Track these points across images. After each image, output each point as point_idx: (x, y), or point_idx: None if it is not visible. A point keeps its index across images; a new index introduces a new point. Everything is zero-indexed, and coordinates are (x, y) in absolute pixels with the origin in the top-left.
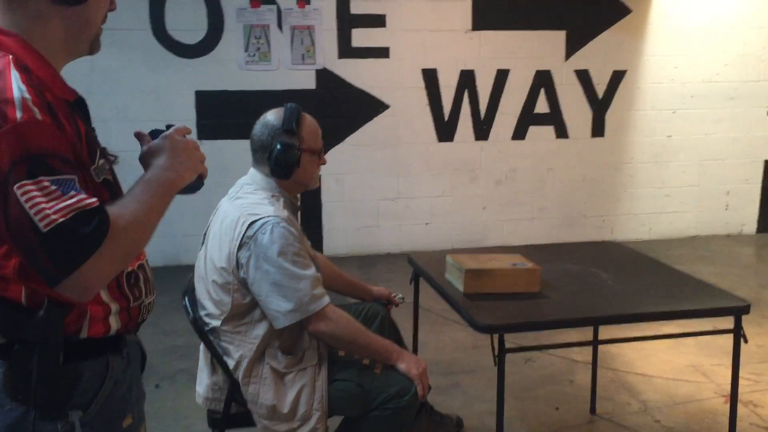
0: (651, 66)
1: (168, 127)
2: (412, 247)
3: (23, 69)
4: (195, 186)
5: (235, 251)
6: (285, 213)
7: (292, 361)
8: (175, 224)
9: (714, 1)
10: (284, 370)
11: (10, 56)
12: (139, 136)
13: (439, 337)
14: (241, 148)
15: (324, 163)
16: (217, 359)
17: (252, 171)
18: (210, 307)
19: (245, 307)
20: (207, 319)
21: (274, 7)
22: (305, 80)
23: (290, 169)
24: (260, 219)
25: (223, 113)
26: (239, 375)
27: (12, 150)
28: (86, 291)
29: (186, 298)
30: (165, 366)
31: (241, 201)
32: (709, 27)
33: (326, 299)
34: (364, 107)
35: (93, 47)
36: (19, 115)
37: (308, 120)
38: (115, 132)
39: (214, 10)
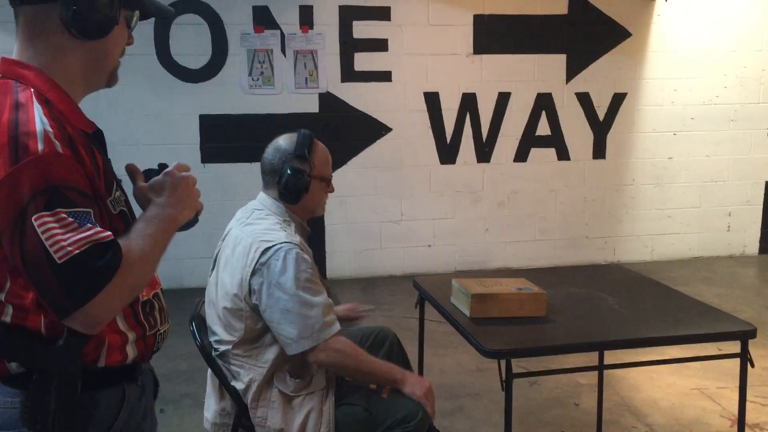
0: (651, 89)
1: (161, 166)
2: (414, 269)
3: (45, 102)
4: (191, 222)
5: (248, 278)
6: (297, 238)
7: (301, 385)
8: (178, 247)
9: (713, 24)
10: (292, 394)
11: (32, 89)
12: (132, 171)
13: (443, 360)
14: (245, 171)
15: (332, 191)
16: (224, 385)
17: (262, 195)
18: (221, 333)
19: (257, 332)
20: (216, 345)
21: (277, 32)
22: (308, 104)
23: (299, 194)
24: (273, 245)
25: (227, 137)
26: (248, 398)
27: (32, 181)
28: (95, 323)
29: (193, 324)
30: (169, 390)
31: (253, 227)
32: (708, 50)
33: (336, 326)
34: (366, 130)
35: (111, 80)
36: (40, 147)
37: (320, 147)
38: (119, 156)
39: (218, 35)
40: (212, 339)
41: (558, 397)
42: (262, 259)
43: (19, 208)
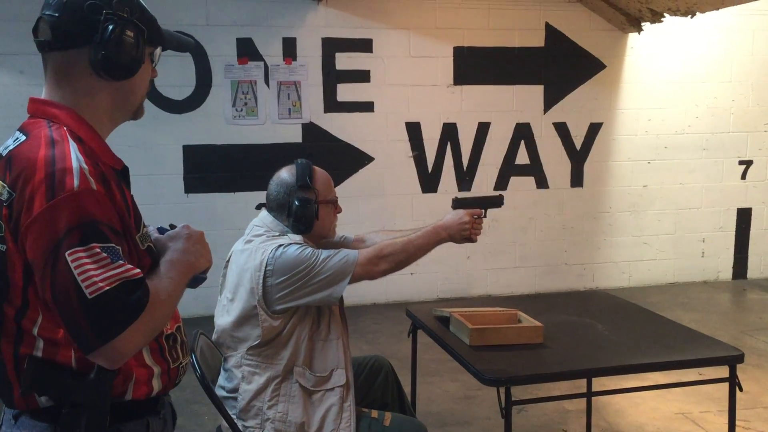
0: (626, 118)
1: (171, 226)
2: (397, 297)
3: (78, 140)
4: (200, 278)
5: (260, 283)
6: (298, 237)
7: (321, 380)
8: None
9: (684, 57)
10: (312, 389)
11: (65, 127)
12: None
13: (429, 388)
14: (228, 201)
15: (340, 211)
16: (223, 415)
17: (263, 213)
18: (232, 342)
19: (276, 330)
20: (227, 352)
21: (261, 63)
22: (292, 134)
23: (310, 223)
24: (276, 246)
25: (211, 167)
26: (265, 397)
27: (68, 217)
28: (118, 359)
29: (193, 356)
30: None
31: (253, 242)
32: (679, 81)
33: (346, 252)
34: (349, 160)
35: (137, 114)
36: (76, 183)
37: (320, 172)
38: None
39: (202, 66)
40: (225, 352)
41: (546, 424)
42: (269, 261)
43: (53, 242)
